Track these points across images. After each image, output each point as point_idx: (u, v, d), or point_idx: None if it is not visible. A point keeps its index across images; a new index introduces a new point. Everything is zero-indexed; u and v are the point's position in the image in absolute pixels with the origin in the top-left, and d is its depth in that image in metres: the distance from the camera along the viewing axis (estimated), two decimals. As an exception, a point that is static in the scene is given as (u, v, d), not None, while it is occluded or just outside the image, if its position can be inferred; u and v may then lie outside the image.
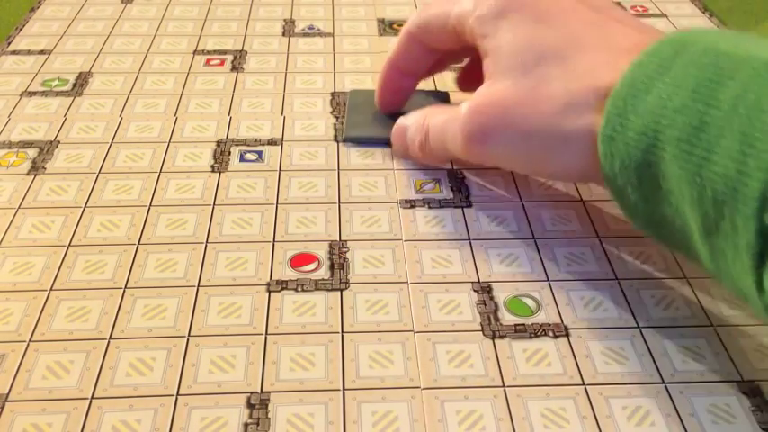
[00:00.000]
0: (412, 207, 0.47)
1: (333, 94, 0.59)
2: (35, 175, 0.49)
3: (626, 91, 0.35)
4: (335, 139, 0.54)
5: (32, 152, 0.52)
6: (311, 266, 0.43)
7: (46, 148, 0.52)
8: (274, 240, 0.45)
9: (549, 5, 0.42)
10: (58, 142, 0.53)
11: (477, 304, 0.41)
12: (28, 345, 0.38)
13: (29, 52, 0.64)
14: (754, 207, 0.29)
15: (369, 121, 0.54)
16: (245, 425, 0.35)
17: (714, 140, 0.31)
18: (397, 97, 0.54)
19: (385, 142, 0.53)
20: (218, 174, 0.50)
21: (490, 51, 0.43)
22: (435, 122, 0.46)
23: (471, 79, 0.52)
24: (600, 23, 0.41)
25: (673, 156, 0.33)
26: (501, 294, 0.42)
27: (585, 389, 0.37)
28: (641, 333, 0.40)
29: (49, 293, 0.41)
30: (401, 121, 0.50)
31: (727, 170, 0.30)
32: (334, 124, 0.55)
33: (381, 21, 0.71)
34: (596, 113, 0.37)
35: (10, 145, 0.52)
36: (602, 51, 0.39)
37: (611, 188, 0.37)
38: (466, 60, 0.55)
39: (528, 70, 0.41)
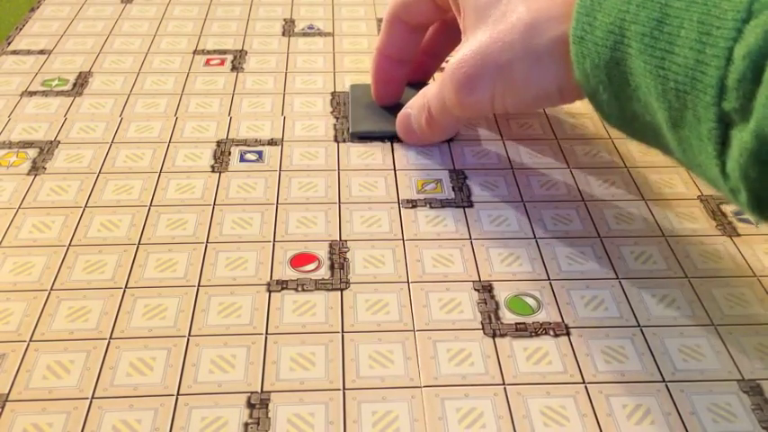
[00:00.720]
0: (413, 207, 0.47)
1: (333, 94, 0.59)
2: (35, 175, 0.49)
3: None
4: (336, 139, 0.54)
5: (33, 152, 0.52)
6: (311, 266, 0.43)
7: (46, 148, 0.52)
8: (274, 240, 0.45)
9: None
10: (59, 142, 0.53)
11: (478, 303, 0.41)
12: (28, 345, 0.38)
13: (29, 52, 0.64)
14: (713, 95, 0.30)
15: (373, 115, 0.54)
16: (246, 425, 0.35)
17: (675, 32, 0.32)
18: (392, 88, 0.56)
19: (391, 136, 0.53)
20: (218, 174, 0.50)
21: (462, 9, 0.46)
22: (432, 93, 0.49)
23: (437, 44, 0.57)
24: None
25: (638, 51, 0.33)
26: (502, 293, 0.42)
27: (586, 387, 0.37)
28: (642, 332, 0.40)
29: (49, 293, 0.41)
30: (404, 108, 0.52)
31: (686, 60, 0.31)
32: (335, 124, 0.55)
33: (381, 20, 0.71)
34: (563, 23, 0.40)
35: (10, 145, 0.52)
36: None
37: (585, 90, 0.38)
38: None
39: (495, 15, 0.43)
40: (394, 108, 0.54)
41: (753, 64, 0.29)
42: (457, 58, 0.45)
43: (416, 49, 0.55)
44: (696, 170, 0.35)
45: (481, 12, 0.44)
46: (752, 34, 0.29)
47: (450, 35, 0.55)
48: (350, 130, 0.54)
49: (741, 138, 0.29)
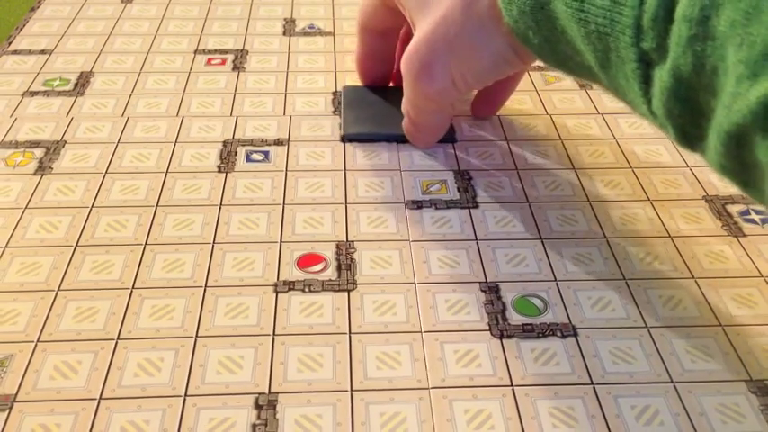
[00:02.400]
0: (419, 208, 0.47)
1: (334, 94, 0.59)
2: (42, 175, 0.49)
3: None
4: (342, 140, 0.53)
5: (39, 152, 0.51)
6: (318, 267, 0.43)
7: (53, 148, 0.52)
8: (281, 241, 0.45)
9: None
10: (65, 142, 0.52)
11: (485, 304, 0.41)
12: (36, 345, 0.38)
13: (30, 52, 0.64)
14: (631, 35, 0.31)
15: (365, 117, 0.55)
16: (254, 426, 0.35)
17: None
18: (379, 66, 0.58)
19: (383, 138, 0.53)
20: (224, 174, 0.50)
21: (405, 8, 0.48)
22: (405, 96, 0.49)
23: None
24: None
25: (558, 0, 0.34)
26: (508, 294, 0.42)
27: (594, 388, 0.37)
28: (649, 333, 0.40)
29: (56, 294, 0.41)
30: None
31: (603, 3, 0.32)
32: (340, 124, 0.55)
33: (384, 20, 0.71)
34: None
35: (17, 145, 0.52)
36: None
37: (518, 37, 0.39)
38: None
39: (433, 1, 0.45)
40: (385, 111, 0.54)
41: (664, 2, 0.29)
42: (407, 52, 0.46)
43: (394, 48, 0.57)
44: (632, 107, 0.35)
45: (421, 2, 0.45)
46: None
47: None
48: (341, 133, 0.54)
49: (661, 77, 0.30)
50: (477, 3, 0.42)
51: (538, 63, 0.62)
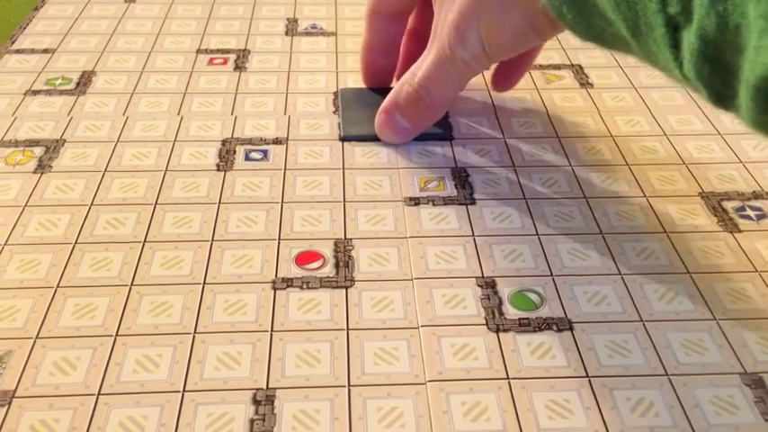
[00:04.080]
0: (416, 204, 0.48)
1: (335, 94, 0.59)
2: (41, 174, 0.50)
3: None
4: (340, 139, 0.54)
5: (39, 150, 0.52)
6: (316, 264, 0.43)
7: (52, 147, 0.52)
8: (280, 238, 0.45)
9: None
10: (65, 141, 0.53)
11: (482, 299, 0.41)
12: (35, 341, 0.38)
13: (32, 51, 0.65)
14: (657, 1, 0.31)
15: (364, 118, 0.55)
16: (251, 421, 0.35)
17: None
18: (382, 80, 0.59)
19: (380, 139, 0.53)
20: (223, 172, 0.50)
21: None
22: (426, 71, 0.50)
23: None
24: None
25: None
26: (505, 289, 0.42)
27: (590, 381, 0.37)
28: (644, 327, 0.40)
29: (55, 291, 0.41)
30: (383, 111, 0.53)
31: None
32: (339, 123, 0.55)
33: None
34: None
35: (17, 143, 0.52)
36: None
37: (554, 13, 0.40)
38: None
39: None
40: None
41: None
42: (445, 26, 0.48)
43: (400, 39, 0.57)
44: (666, 74, 0.36)
45: None
46: None
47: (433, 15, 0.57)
48: (341, 134, 0.54)
49: (688, 39, 0.30)
50: None
51: (538, 62, 0.63)
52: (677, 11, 0.30)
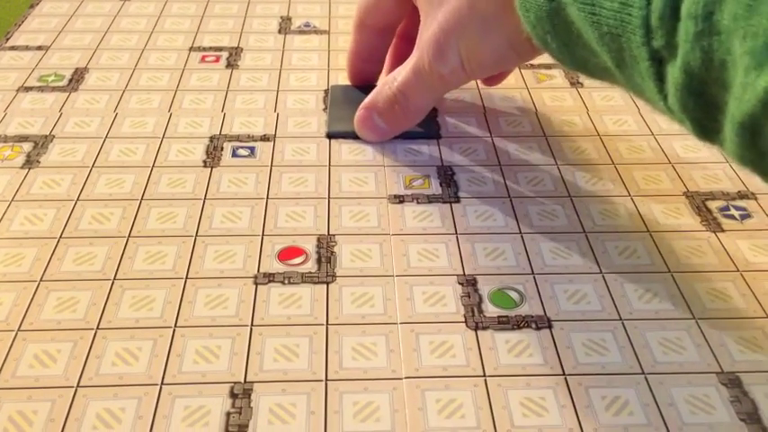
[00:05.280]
0: (401, 202, 0.48)
1: (326, 92, 0.60)
2: (29, 169, 0.50)
3: None
4: (327, 135, 0.54)
5: (27, 146, 0.52)
6: (299, 260, 0.44)
7: (41, 143, 0.52)
8: (263, 234, 0.45)
9: None
10: (53, 137, 0.53)
11: (462, 297, 0.41)
12: (16, 334, 0.39)
13: (27, 48, 0.65)
14: (642, 35, 0.31)
15: (350, 115, 0.55)
16: (228, 414, 0.35)
17: None
18: (369, 66, 0.59)
19: None
20: (209, 169, 0.50)
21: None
22: (405, 77, 0.51)
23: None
24: None
25: (571, 3, 0.35)
26: (485, 287, 0.42)
27: (566, 379, 0.37)
28: (623, 325, 0.40)
29: (38, 284, 0.42)
30: (363, 109, 0.53)
31: (612, 5, 0.32)
32: (326, 121, 0.56)
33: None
34: None
35: (6, 139, 0.53)
36: None
37: (538, 42, 0.40)
38: None
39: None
40: None
41: (669, 1, 0.29)
42: (427, 38, 0.48)
43: (387, 48, 0.58)
44: (651, 105, 0.35)
45: None
46: None
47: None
48: (327, 130, 0.54)
49: (673, 73, 0.30)
50: (484, 2, 0.44)
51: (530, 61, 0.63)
52: (661, 45, 0.30)
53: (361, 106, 0.53)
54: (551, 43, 0.39)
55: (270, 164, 0.51)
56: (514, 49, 0.45)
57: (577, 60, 0.39)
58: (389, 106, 0.52)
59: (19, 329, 0.39)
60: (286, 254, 0.44)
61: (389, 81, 0.52)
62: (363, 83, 0.59)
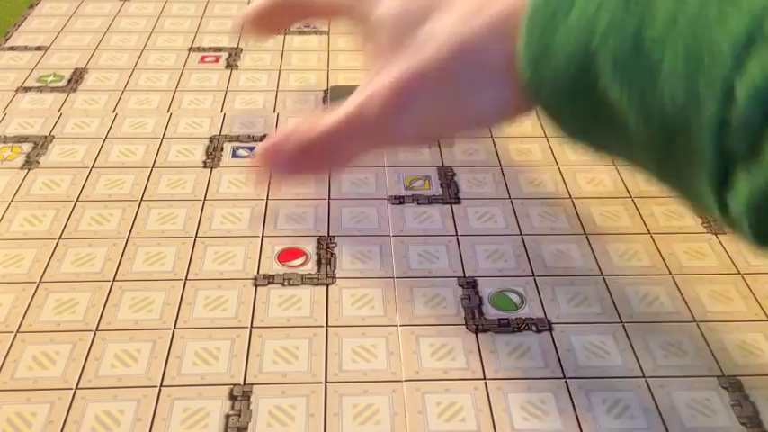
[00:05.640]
0: (401, 203, 0.48)
1: (326, 92, 0.60)
2: (29, 170, 0.50)
3: (541, 12, 0.31)
4: (327, 136, 0.54)
5: (27, 147, 0.52)
6: (299, 261, 0.44)
7: (40, 143, 0.52)
8: (263, 235, 0.45)
9: None
10: (53, 137, 0.53)
11: (462, 299, 0.41)
12: (15, 336, 0.39)
13: (26, 48, 0.65)
14: (712, 133, 0.26)
15: None
16: (227, 416, 0.35)
17: (655, 64, 0.27)
18: (275, 19, 0.53)
19: None
20: (209, 169, 0.50)
21: (374, 26, 0.41)
22: (336, 121, 0.40)
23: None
24: None
25: (610, 82, 0.28)
26: (486, 289, 0.42)
27: (566, 382, 0.37)
28: (624, 328, 0.40)
29: (37, 285, 0.41)
30: (265, 143, 0.42)
31: (674, 96, 0.27)
32: (327, 121, 0.55)
33: (377, 19, 0.71)
34: (507, 43, 0.33)
35: (5, 139, 0.53)
36: None
37: (546, 114, 0.33)
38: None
39: (415, 34, 0.37)
40: None
41: (760, 103, 0.24)
42: (384, 81, 0.38)
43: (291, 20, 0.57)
44: (685, 198, 0.31)
45: (398, 28, 0.39)
46: (756, 66, 0.24)
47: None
48: None
49: (752, 180, 0.25)
50: (480, 59, 0.35)
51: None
52: (740, 147, 0.25)
53: (264, 144, 0.42)
54: (566, 120, 0.32)
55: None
56: (499, 114, 0.37)
57: (594, 140, 0.33)
58: (303, 148, 0.41)
59: (18, 331, 0.39)
60: (286, 255, 0.44)
61: (309, 122, 0.41)
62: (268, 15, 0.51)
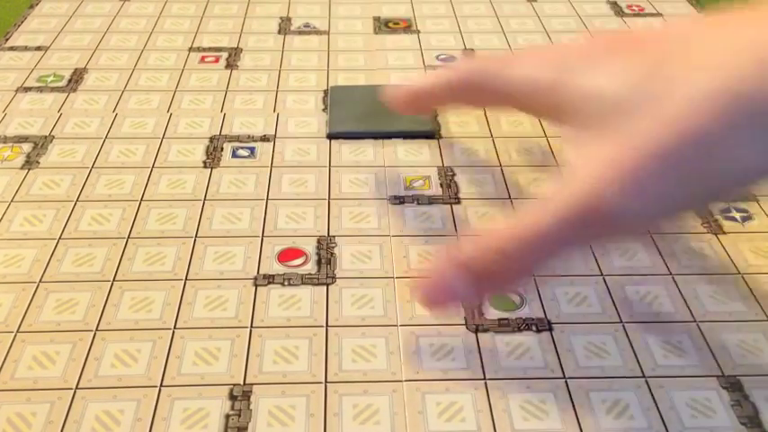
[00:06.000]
0: (401, 203, 0.48)
1: (325, 92, 0.60)
2: (29, 170, 0.50)
3: None
4: (327, 136, 0.54)
5: (27, 147, 0.52)
6: (299, 261, 0.44)
7: (40, 143, 0.52)
8: (263, 235, 0.45)
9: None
10: (53, 137, 0.53)
11: (462, 299, 0.41)
12: (15, 336, 0.39)
13: (26, 48, 0.65)
14: None
15: (351, 116, 0.55)
16: (227, 416, 0.35)
17: None
18: (423, 104, 0.46)
19: (367, 136, 0.54)
20: (209, 169, 0.50)
21: (577, 114, 0.35)
22: (536, 218, 0.33)
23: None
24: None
25: None
26: (486, 289, 0.42)
27: (566, 382, 0.37)
28: (624, 328, 0.40)
29: (37, 285, 0.41)
30: (442, 261, 0.36)
31: None
32: (327, 122, 0.55)
33: (377, 19, 0.71)
34: None
35: (5, 139, 0.53)
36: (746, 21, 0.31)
37: None
38: None
39: (656, 93, 0.31)
40: (371, 109, 0.55)
41: None
42: (602, 156, 0.32)
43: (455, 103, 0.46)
44: None
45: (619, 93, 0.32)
46: None
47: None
48: (327, 131, 0.54)
49: None
50: (748, 102, 0.29)
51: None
52: None
53: (438, 264, 0.36)
54: None
55: (270, 164, 0.51)
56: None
57: None
58: (485, 260, 0.34)
59: (18, 331, 0.39)
60: (286, 255, 0.44)
61: (497, 233, 0.34)
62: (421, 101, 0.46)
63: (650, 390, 0.37)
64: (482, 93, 0.41)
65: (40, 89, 0.59)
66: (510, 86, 0.38)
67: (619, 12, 0.73)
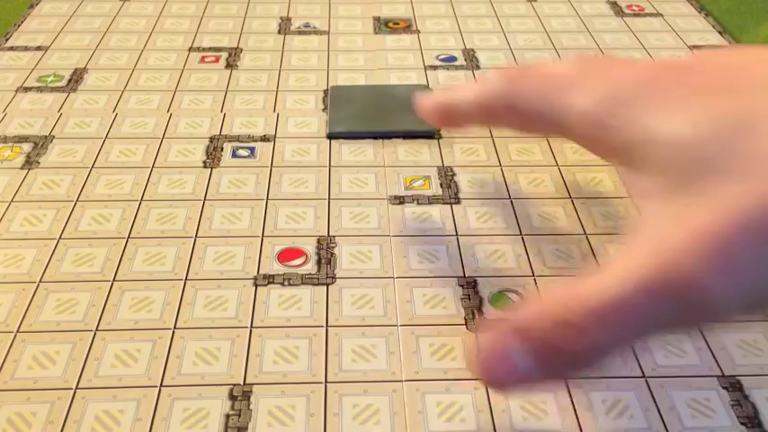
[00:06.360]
0: (401, 203, 0.48)
1: (325, 92, 0.60)
2: (29, 170, 0.50)
3: None
4: (327, 136, 0.54)
5: (27, 146, 0.52)
6: (299, 261, 0.44)
7: (40, 143, 0.52)
8: (263, 235, 0.45)
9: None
10: (53, 137, 0.53)
11: (462, 299, 0.41)
12: (15, 336, 0.39)
13: (26, 48, 0.65)
14: None
15: (351, 116, 0.55)
16: (227, 416, 0.35)
17: None
18: (452, 120, 0.40)
19: (367, 136, 0.54)
20: (209, 169, 0.50)
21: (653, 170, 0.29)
22: (613, 294, 0.27)
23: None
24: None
25: None
26: (486, 289, 0.42)
27: (566, 382, 0.37)
28: (624, 328, 0.40)
29: (37, 285, 0.41)
30: (502, 327, 0.29)
31: None
32: (327, 122, 0.55)
33: (377, 19, 0.71)
34: None
35: (5, 139, 0.53)
36: None
37: None
38: None
39: (742, 155, 0.26)
40: (371, 109, 0.56)
41: None
42: (691, 226, 0.26)
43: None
44: None
45: (698, 150, 0.27)
46: None
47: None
48: (327, 131, 0.54)
49: None
50: None
51: (535, 63, 0.63)
52: None
53: (495, 329, 0.29)
54: None
55: (270, 164, 0.51)
56: None
57: None
58: (555, 335, 0.27)
59: (18, 331, 0.39)
60: (286, 255, 0.44)
61: (563, 298, 0.28)
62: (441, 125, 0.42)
63: (650, 389, 0.37)
64: (527, 121, 0.36)
65: (39, 89, 0.59)
66: (563, 122, 0.33)
67: (619, 12, 0.73)
